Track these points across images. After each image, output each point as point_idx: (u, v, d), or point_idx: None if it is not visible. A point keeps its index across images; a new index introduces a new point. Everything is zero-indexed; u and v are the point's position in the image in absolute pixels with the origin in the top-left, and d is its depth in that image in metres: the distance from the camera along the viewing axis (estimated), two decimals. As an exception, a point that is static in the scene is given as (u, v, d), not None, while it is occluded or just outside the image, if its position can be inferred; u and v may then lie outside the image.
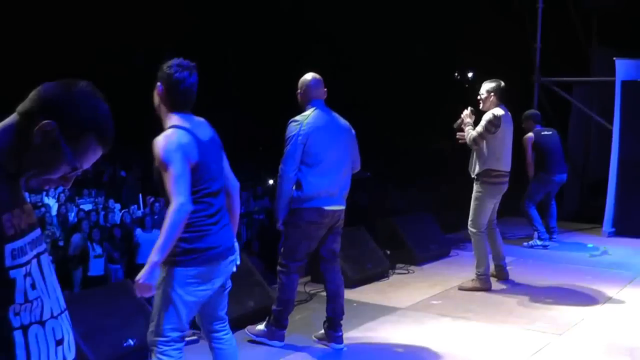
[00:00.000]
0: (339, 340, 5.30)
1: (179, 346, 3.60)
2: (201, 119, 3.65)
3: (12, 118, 1.94)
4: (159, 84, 3.56)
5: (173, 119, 3.53)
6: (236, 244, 3.74)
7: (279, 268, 5.23)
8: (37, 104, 1.91)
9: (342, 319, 5.30)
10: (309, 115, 5.04)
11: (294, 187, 5.01)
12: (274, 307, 5.30)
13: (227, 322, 3.85)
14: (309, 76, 5.20)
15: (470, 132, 6.73)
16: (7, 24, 20.49)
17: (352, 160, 5.24)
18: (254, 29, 24.13)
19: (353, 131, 5.29)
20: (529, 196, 9.15)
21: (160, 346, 3.55)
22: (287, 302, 5.24)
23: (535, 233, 9.13)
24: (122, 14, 23.50)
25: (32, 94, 1.94)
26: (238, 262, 3.74)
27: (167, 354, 3.55)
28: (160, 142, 3.42)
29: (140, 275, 3.32)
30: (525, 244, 9.11)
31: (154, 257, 3.29)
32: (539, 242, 9.08)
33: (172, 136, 3.44)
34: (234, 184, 3.78)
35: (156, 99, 3.61)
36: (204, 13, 24.54)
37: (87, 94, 1.94)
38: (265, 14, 24.05)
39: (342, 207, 5.20)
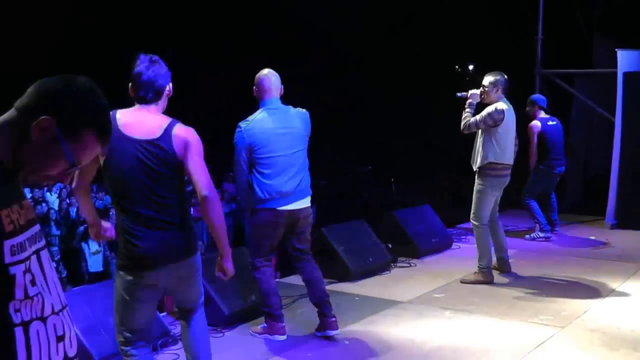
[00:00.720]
0: (333, 325, 5.34)
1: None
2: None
3: (10, 114, 1.93)
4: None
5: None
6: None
7: (249, 266, 5.34)
8: (35, 100, 1.90)
9: (326, 300, 5.34)
10: (252, 119, 5.08)
11: (249, 190, 5.12)
12: (261, 303, 5.37)
13: (198, 308, 3.96)
14: (261, 73, 5.17)
15: (468, 117, 6.72)
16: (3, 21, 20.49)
17: (305, 151, 5.28)
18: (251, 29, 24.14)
19: (308, 119, 5.28)
20: (528, 189, 9.06)
21: (120, 344, 3.86)
22: (268, 293, 5.29)
23: (537, 225, 9.09)
24: (128, 14, 23.50)
25: (30, 90, 1.93)
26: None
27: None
28: None
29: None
30: (527, 236, 9.05)
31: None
32: (540, 235, 9.02)
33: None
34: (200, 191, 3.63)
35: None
36: (200, 11, 24.51)
37: (86, 89, 1.93)
38: (262, 13, 24.04)
39: (301, 207, 5.22)
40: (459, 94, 6.95)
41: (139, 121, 3.54)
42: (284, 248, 5.45)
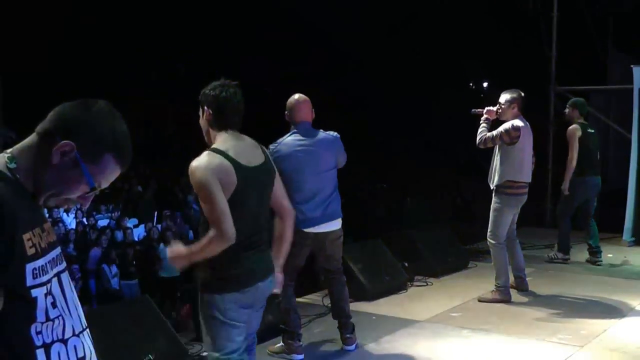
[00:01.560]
0: (349, 342, 5.47)
1: None
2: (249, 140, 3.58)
3: (31, 138, 1.96)
4: (205, 107, 3.52)
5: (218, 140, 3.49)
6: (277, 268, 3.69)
7: None
8: (56, 124, 1.93)
9: (346, 320, 5.47)
10: (281, 141, 5.12)
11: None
12: (280, 322, 5.38)
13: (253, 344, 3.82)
14: (293, 98, 5.23)
15: (484, 132, 6.70)
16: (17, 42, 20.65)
17: (335, 172, 5.30)
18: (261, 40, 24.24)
19: (338, 142, 5.32)
20: (563, 205, 8.54)
21: None
22: (288, 311, 5.29)
23: (556, 245, 8.76)
24: (138, 30, 23.66)
25: (51, 114, 1.96)
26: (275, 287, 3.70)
27: None
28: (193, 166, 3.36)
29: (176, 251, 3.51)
30: (546, 255, 8.79)
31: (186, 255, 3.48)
32: (559, 256, 8.64)
33: (203, 159, 3.38)
34: (288, 209, 3.74)
35: (204, 123, 3.57)
36: (200, 12, 24.60)
37: (105, 113, 1.96)
38: (263, 13, 24.13)
39: (329, 229, 5.23)
40: (473, 111, 6.94)
41: (243, 148, 3.48)
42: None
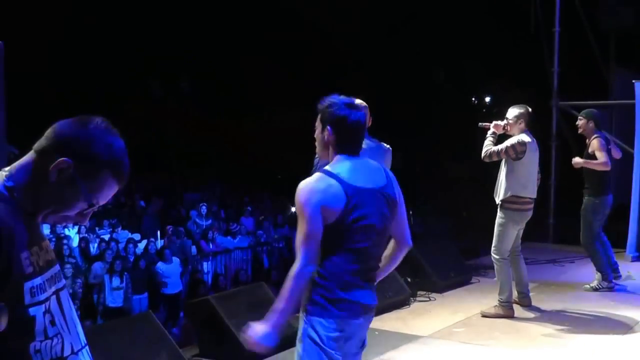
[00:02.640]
0: None
1: None
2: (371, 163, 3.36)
3: (29, 156, 1.96)
4: (327, 126, 3.28)
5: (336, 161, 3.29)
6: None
7: None
8: (53, 142, 1.93)
9: None
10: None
11: None
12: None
13: None
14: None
15: (490, 146, 6.70)
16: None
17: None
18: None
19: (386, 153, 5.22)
20: (588, 227, 7.98)
21: None
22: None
23: (599, 274, 8.03)
24: (136, 45, 23.70)
25: (48, 132, 1.96)
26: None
27: None
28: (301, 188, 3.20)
29: (257, 331, 3.19)
30: (587, 286, 8.04)
31: (273, 316, 3.16)
32: (605, 284, 7.95)
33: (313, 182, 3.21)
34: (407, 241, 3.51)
35: (321, 139, 3.35)
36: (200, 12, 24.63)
37: (102, 130, 1.96)
38: (263, 14, 24.18)
39: None
40: (481, 124, 6.95)
41: (363, 169, 3.29)
42: None
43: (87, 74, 22.14)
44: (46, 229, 12.54)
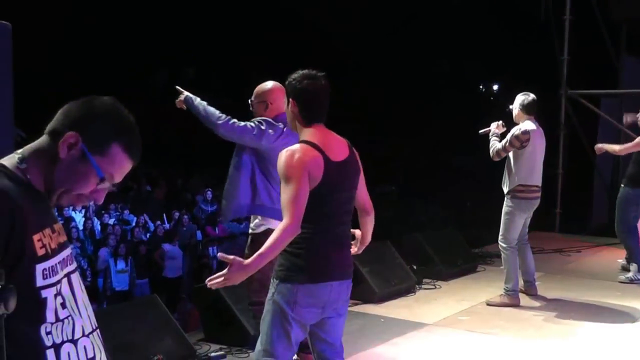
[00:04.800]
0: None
1: None
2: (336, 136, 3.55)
3: (41, 139, 1.97)
4: (290, 99, 3.47)
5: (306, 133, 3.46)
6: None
7: None
8: (62, 121, 1.94)
9: None
10: None
11: None
12: None
13: (341, 356, 3.70)
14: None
15: (495, 144, 6.68)
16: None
17: None
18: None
19: None
20: (623, 218, 7.88)
21: None
22: None
23: (636, 265, 7.91)
24: (142, 33, 23.71)
25: (58, 114, 1.98)
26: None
27: None
28: (283, 156, 3.36)
29: (238, 266, 3.20)
30: (622, 277, 7.95)
31: (253, 259, 3.21)
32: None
33: (296, 147, 3.38)
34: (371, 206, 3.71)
35: (289, 114, 3.53)
36: (208, 22, 24.63)
37: (109, 105, 1.98)
38: (263, 14, 24.16)
39: None
40: (481, 131, 6.90)
41: (331, 141, 3.46)
42: None
43: (88, 69, 22.18)
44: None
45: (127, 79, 23.39)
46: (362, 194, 3.63)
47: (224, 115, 4.61)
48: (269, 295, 3.45)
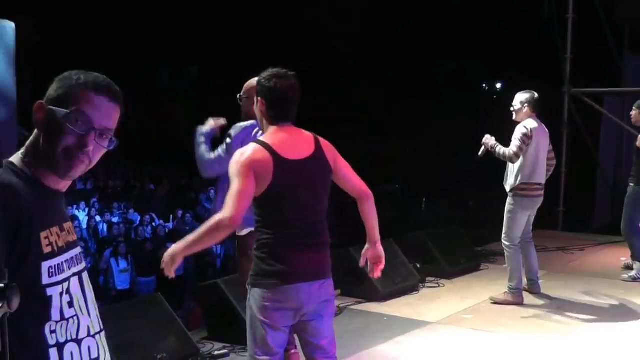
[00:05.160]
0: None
1: None
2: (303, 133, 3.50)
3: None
4: (259, 98, 3.46)
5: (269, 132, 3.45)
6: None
7: None
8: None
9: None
10: None
11: None
12: None
13: (332, 357, 3.65)
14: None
15: (504, 150, 6.60)
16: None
17: None
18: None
19: None
20: (632, 217, 7.85)
21: None
22: None
23: (638, 264, 7.93)
24: (144, 32, 23.73)
25: None
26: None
27: None
28: (235, 155, 3.37)
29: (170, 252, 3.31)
30: (625, 276, 7.99)
31: (178, 244, 3.32)
32: None
33: (245, 149, 3.37)
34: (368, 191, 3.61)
35: (258, 113, 3.53)
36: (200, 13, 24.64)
37: (71, 72, 1.97)
38: (263, 14, 24.16)
39: None
40: (480, 154, 6.81)
41: (291, 140, 3.42)
42: None
43: (89, 69, 22.21)
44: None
45: (129, 78, 23.38)
46: (352, 180, 3.57)
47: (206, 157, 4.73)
48: (247, 301, 3.47)
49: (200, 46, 24.91)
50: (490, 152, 6.72)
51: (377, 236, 3.66)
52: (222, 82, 23.64)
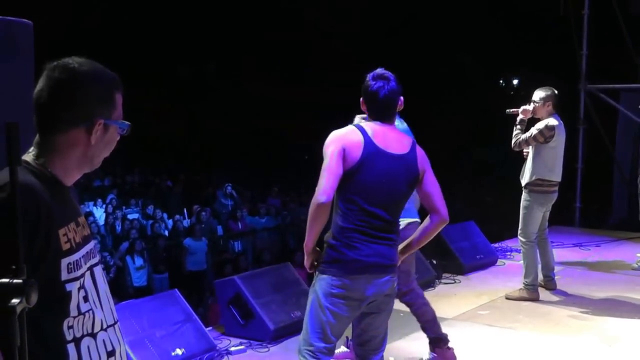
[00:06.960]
0: None
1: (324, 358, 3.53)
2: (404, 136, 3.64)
3: (58, 134, 1.98)
4: (362, 98, 3.61)
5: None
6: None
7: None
8: (68, 111, 1.98)
9: None
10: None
11: None
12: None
13: (380, 351, 3.70)
14: None
15: (519, 135, 6.64)
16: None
17: None
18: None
19: None
20: None
21: (306, 355, 3.52)
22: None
23: None
24: (164, 31, 23.80)
25: (48, 105, 2.00)
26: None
27: None
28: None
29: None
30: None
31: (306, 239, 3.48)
32: None
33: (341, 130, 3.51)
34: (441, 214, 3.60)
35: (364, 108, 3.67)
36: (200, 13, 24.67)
37: (80, 74, 1.98)
38: (263, 14, 24.16)
39: None
40: (508, 111, 6.87)
41: (386, 133, 3.52)
42: None
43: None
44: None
45: (146, 75, 23.53)
46: (434, 197, 3.59)
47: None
48: (311, 286, 3.55)
49: (196, 52, 24.91)
50: (515, 118, 6.73)
51: (408, 242, 3.69)
52: (223, 82, 23.76)
